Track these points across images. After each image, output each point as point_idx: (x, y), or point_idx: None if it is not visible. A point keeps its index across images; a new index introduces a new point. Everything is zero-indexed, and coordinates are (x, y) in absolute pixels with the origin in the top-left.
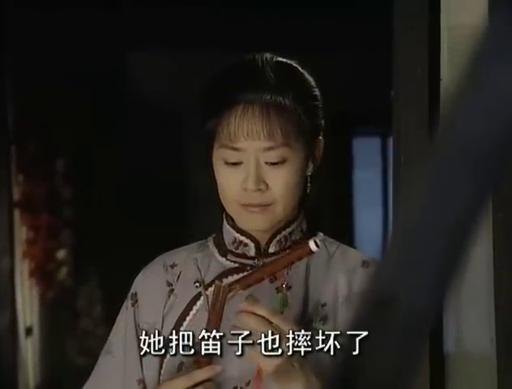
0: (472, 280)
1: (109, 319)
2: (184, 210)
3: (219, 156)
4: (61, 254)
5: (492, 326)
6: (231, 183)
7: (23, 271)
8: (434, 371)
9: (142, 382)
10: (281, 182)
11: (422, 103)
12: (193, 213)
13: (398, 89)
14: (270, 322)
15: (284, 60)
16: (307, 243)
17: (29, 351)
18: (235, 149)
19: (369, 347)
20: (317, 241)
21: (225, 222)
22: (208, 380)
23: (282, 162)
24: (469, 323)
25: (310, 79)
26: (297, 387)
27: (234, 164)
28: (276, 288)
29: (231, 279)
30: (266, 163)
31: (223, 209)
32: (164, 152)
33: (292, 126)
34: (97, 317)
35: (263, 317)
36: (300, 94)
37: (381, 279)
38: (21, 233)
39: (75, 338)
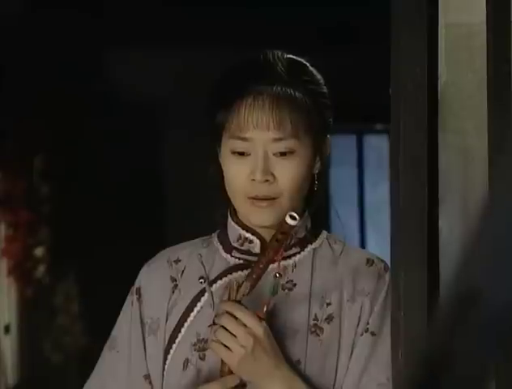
0: None
1: (86, 317)
2: (163, 210)
3: (228, 147)
4: (38, 251)
5: None
6: (239, 174)
7: (1, 268)
8: None
9: (148, 377)
10: (288, 174)
11: (421, 102)
12: (171, 214)
13: (397, 89)
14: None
15: (295, 57)
16: (284, 220)
17: (8, 348)
18: (244, 139)
19: (454, 345)
20: (293, 214)
21: (230, 219)
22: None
23: (290, 153)
24: None
25: (320, 76)
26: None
27: (242, 155)
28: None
29: (235, 275)
30: (275, 154)
31: (227, 206)
32: (140, 151)
33: (301, 119)
34: (74, 314)
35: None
36: (310, 89)
37: (466, 280)
38: (0, 231)
39: (53, 335)
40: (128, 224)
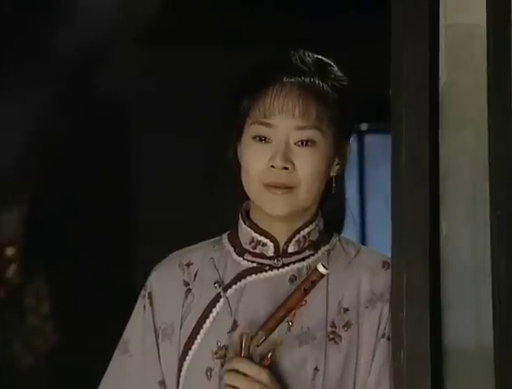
0: (470, 277)
1: (57, 316)
2: (135, 210)
3: (250, 132)
4: (9, 251)
5: (491, 322)
6: (258, 160)
7: None
8: (434, 368)
9: (163, 383)
10: (307, 164)
11: (423, 103)
12: (142, 214)
13: (398, 89)
14: (257, 380)
15: (323, 58)
16: (316, 268)
17: None
18: (267, 125)
19: None
20: (324, 264)
21: (241, 221)
22: None
23: (311, 144)
24: (468, 320)
25: (346, 79)
26: None
27: (264, 140)
28: None
29: (249, 279)
30: (296, 143)
31: (238, 208)
32: (112, 151)
33: (326, 111)
34: (45, 314)
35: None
36: (338, 87)
37: None
38: None
39: (24, 335)
40: (99, 225)
